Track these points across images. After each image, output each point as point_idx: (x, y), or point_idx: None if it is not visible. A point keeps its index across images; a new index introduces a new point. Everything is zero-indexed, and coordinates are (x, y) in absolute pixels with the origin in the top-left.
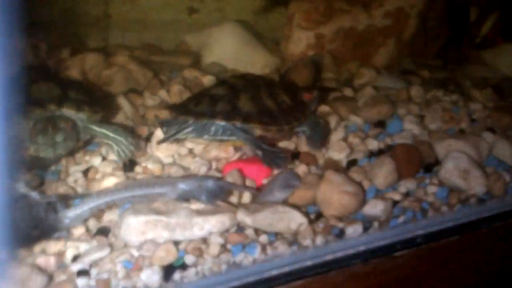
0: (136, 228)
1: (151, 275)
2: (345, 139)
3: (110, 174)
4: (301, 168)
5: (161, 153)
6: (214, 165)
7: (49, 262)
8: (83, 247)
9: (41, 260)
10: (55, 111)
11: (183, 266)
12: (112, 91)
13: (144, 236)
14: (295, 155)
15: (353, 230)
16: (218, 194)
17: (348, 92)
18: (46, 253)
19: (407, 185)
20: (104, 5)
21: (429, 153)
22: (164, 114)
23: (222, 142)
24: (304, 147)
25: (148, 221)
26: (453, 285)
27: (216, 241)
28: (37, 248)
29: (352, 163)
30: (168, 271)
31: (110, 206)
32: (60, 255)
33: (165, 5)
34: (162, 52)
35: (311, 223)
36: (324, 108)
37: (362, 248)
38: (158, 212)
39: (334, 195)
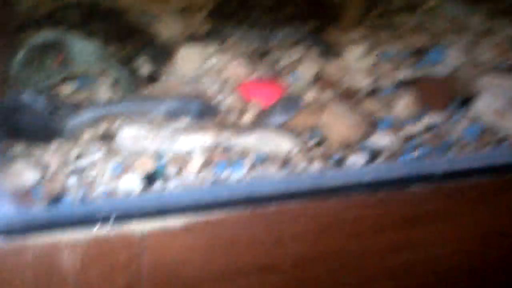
0: (129, 137)
1: (129, 182)
2: (374, 66)
3: None
4: (312, 93)
5: (184, 68)
6: (231, 83)
7: (51, 159)
8: (85, 150)
9: (44, 157)
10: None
11: (164, 177)
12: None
13: (136, 145)
14: None
15: (355, 159)
16: (204, 114)
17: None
18: (49, 152)
19: (432, 118)
20: None
21: (467, 87)
22: None
23: None
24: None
25: (139, 132)
26: (477, 227)
27: (197, 158)
28: (42, 148)
29: (373, 92)
30: (148, 180)
31: (109, 117)
32: (63, 155)
33: None
34: None
35: (307, 149)
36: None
37: (366, 178)
38: (150, 124)
39: (335, 124)
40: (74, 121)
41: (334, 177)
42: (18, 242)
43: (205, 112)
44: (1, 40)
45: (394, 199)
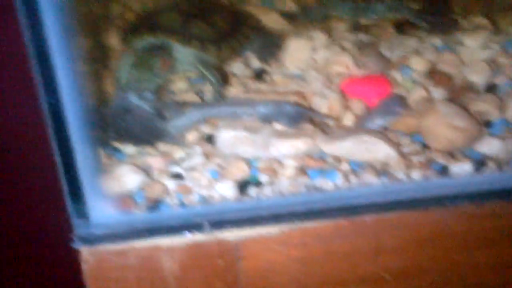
0: (227, 141)
1: (226, 188)
2: (493, 60)
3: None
4: (418, 93)
5: (291, 63)
6: (335, 80)
7: (155, 162)
8: (187, 152)
9: (148, 160)
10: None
11: (258, 183)
12: None
13: (233, 150)
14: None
15: (460, 167)
16: (297, 119)
17: None
18: (153, 155)
19: None
20: None
21: None
22: None
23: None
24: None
25: (237, 136)
26: None
27: (290, 164)
28: (147, 150)
29: (489, 88)
30: (243, 186)
31: (210, 119)
32: (166, 158)
33: None
34: None
35: (408, 155)
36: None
37: (473, 188)
38: (247, 129)
39: (440, 127)
40: (177, 123)
41: (437, 186)
42: (121, 245)
43: (300, 117)
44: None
45: (504, 211)
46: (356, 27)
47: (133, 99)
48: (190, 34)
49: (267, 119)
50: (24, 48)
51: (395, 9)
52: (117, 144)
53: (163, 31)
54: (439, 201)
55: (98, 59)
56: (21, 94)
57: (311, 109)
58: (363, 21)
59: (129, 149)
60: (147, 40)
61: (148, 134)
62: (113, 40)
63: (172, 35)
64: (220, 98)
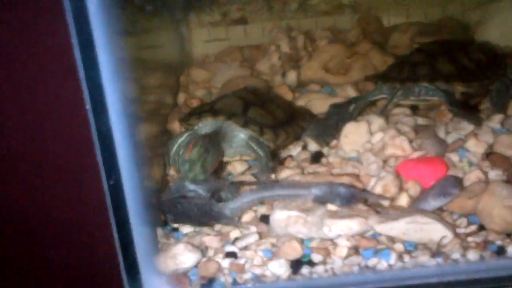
0: (280, 221)
1: (278, 267)
2: None
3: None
4: (474, 175)
5: (348, 146)
6: (391, 162)
7: (211, 242)
8: (242, 232)
9: (204, 239)
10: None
11: (310, 263)
12: (349, 79)
13: (286, 230)
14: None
15: None
16: (350, 199)
17: None
18: (209, 235)
19: None
20: None
21: None
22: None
23: (427, 102)
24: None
25: (290, 216)
26: None
27: (343, 244)
28: (204, 230)
29: None
30: (295, 265)
31: (264, 200)
32: (221, 237)
33: None
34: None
35: (463, 236)
36: None
37: None
38: (300, 209)
39: (496, 209)
40: (232, 205)
41: (494, 267)
42: None
43: (353, 197)
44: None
45: None
46: (415, 111)
47: (189, 185)
48: (249, 119)
49: (320, 200)
50: (90, 133)
51: (433, 92)
52: (175, 225)
53: (223, 114)
54: (496, 282)
55: (162, 144)
56: (84, 176)
57: (364, 190)
58: (419, 104)
59: (186, 228)
60: (206, 121)
61: (204, 217)
62: (176, 125)
63: (231, 117)
64: (268, 173)
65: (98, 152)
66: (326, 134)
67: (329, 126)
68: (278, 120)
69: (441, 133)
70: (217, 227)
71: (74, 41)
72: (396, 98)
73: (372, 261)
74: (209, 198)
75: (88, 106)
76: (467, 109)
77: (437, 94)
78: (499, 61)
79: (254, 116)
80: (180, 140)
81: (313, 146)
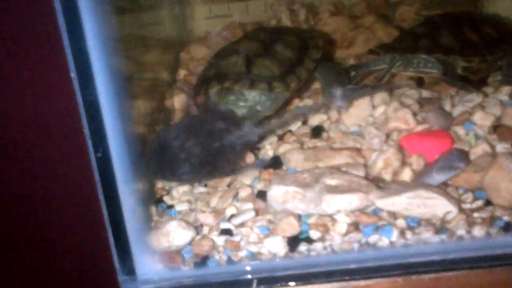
0: (278, 196)
1: (275, 244)
2: None
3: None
4: (481, 148)
5: (349, 120)
6: (394, 136)
7: (205, 219)
8: (238, 209)
9: (198, 216)
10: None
11: (308, 240)
12: (352, 52)
13: (283, 206)
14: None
15: None
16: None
17: None
18: (204, 212)
19: None
20: None
21: None
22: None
23: (425, 74)
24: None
25: (288, 192)
26: None
27: (342, 220)
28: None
29: None
30: (292, 242)
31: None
32: (216, 214)
33: None
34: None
35: (469, 212)
36: None
37: None
38: (299, 184)
39: (503, 183)
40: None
41: (501, 244)
42: None
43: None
44: None
45: None
46: (420, 84)
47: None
48: (255, 76)
49: None
50: (76, 102)
51: (431, 64)
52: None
53: (229, 80)
54: (503, 259)
55: (159, 121)
56: (70, 149)
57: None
58: (419, 76)
59: (181, 206)
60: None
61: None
62: (174, 102)
63: (237, 83)
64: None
65: (84, 123)
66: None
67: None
68: (287, 63)
69: (447, 106)
70: (213, 202)
71: (58, 7)
72: (395, 68)
73: (373, 238)
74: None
75: (73, 74)
76: (462, 80)
77: (435, 66)
78: (509, 38)
79: (259, 71)
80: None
81: (313, 120)
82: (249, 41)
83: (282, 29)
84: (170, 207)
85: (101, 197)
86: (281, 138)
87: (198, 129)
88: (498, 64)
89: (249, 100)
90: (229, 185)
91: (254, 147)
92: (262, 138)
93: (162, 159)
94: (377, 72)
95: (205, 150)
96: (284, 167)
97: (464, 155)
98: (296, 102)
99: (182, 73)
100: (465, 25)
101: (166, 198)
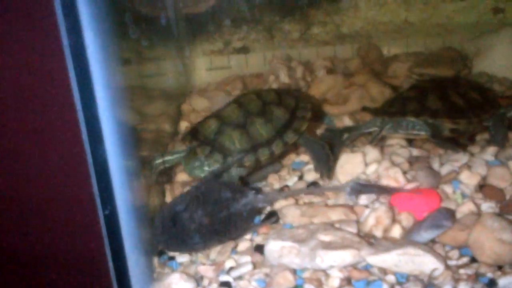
0: (274, 251)
1: None
2: None
3: None
4: (467, 207)
5: (343, 176)
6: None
7: (206, 271)
8: (240, 260)
9: (199, 269)
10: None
11: None
12: (347, 109)
13: (280, 260)
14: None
15: (508, 281)
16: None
17: None
18: (205, 264)
19: None
20: (405, 12)
21: None
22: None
23: (414, 136)
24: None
25: (284, 247)
26: None
27: (335, 275)
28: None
29: None
30: None
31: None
32: (216, 266)
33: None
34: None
35: (455, 268)
36: None
37: None
38: (295, 240)
39: (487, 241)
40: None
41: None
42: None
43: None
44: None
45: None
46: (410, 143)
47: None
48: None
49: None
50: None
51: (419, 127)
52: (172, 253)
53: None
54: None
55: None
56: (79, 205)
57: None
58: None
59: (182, 258)
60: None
61: (226, 221)
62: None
63: (200, 147)
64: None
65: (93, 181)
66: (327, 166)
67: (329, 157)
68: (259, 139)
69: (435, 165)
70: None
71: (71, 74)
72: (386, 130)
73: None
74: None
75: (84, 136)
76: (448, 140)
77: (423, 128)
78: (492, 101)
79: (223, 142)
80: (169, 157)
81: (309, 176)
82: (235, 109)
83: (275, 95)
84: (171, 258)
85: (107, 251)
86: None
87: (204, 200)
88: (483, 125)
89: (211, 165)
90: None
91: (260, 212)
92: (268, 203)
93: (171, 231)
94: (368, 135)
95: (214, 220)
96: (281, 222)
97: (450, 214)
98: (293, 157)
99: (183, 124)
100: (451, 89)
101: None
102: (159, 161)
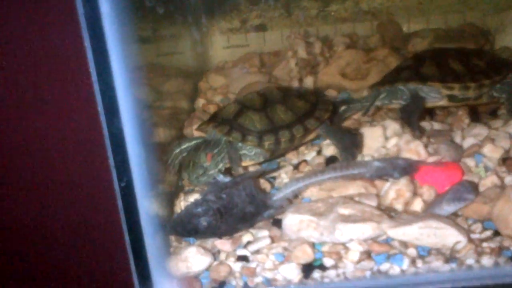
0: (292, 225)
1: (289, 271)
2: None
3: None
4: (490, 180)
5: (366, 151)
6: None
7: (223, 245)
8: (257, 234)
9: (216, 243)
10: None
11: (322, 267)
12: (365, 84)
13: (298, 234)
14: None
15: None
16: (408, 170)
17: None
18: (223, 239)
19: None
20: None
21: None
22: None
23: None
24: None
25: (302, 221)
26: None
27: (355, 248)
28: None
29: None
30: (307, 269)
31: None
32: (234, 240)
33: None
34: (447, 36)
35: (478, 242)
36: None
37: None
38: (313, 213)
39: (511, 214)
40: (279, 195)
41: (510, 273)
42: None
43: (410, 168)
44: None
45: None
46: (432, 116)
47: (224, 178)
48: (237, 125)
49: (379, 174)
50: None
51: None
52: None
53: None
54: None
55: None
56: (95, 177)
57: (418, 160)
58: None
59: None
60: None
61: (251, 205)
62: (192, 131)
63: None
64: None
65: (109, 154)
66: (351, 151)
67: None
68: (281, 122)
69: (458, 138)
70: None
71: (87, 45)
72: (380, 101)
73: (385, 266)
74: (256, 191)
75: (100, 108)
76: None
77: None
78: (499, 68)
79: (243, 122)
80: (187, 144)
81: (327, 151)
82: (256, 96)
83: (295, 90)
84: None
85: (123, 224)
86: (296, 167)
87: (223, 205)
88: (493, 95)
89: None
90: None
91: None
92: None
93: (188, 227)
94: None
95: (229, 218)
96: (299, 196)
97: (473, 187)
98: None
99: (200, 102)
100: (452, 57)
101: None
102: (177, 150)
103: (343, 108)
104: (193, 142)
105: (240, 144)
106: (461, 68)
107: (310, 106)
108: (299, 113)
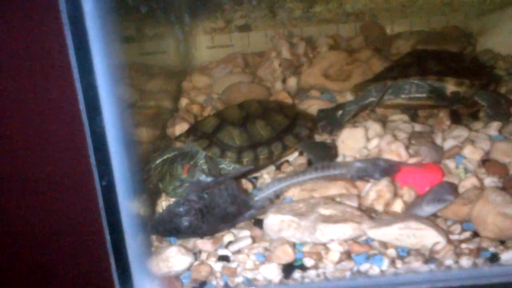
0: (274, 225)
1: (270, 271)
2: None
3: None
4: (470, 181)
5: (344, 151)
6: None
7: (204, 245)
8: (238, 234)
9: (197, 243)
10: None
11: (302, 267)
12: (348, 85)
13: (279, 234)
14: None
15: (511, 256)
16: (389, 171)
17: None
18: (204, 239)
19: None
20: None
21: None
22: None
23: (417, 101)
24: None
25: (283, 221)
26: None
27: (335, 248)
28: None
29: None
30: (287, 269)
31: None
32: (216, 241)
33: None
34: (430, 39)
35: (457, 243)
36: None
37: None
38: (295, 214)
39: (490, 216)
40: (259, 197)
41: (487, 274)
42: None
43: (391, 169)
44: None
45: None
46: (413, 118)
47: (206, 178)
48: (216, 140)
49: (360, 175)
50: (83, 133)
51: (423, 89)
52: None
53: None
54: None
55: (160, 147)
56: (76, 176)
57: (399, 162)
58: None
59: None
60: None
61: (233, 205)
62: (175, 130)
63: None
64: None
65: (91, 152)
66: (326, 155)
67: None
68: (260, 139)
69: (438, 140)
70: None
71: (70, 43)
72: (387, 95)
73: (364, 266)
74: (238, 192)
75: (81, 107)
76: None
77: (425, 91)
78: (484, 73)
79: (222, 138)
80: (166, 156)
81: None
82: (236, 110)
83: (275, 104)
84: None
85: (104, 224)
86: (278, 168)
87: (206, 205)
88: (474, 101)
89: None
90: None
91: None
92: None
93: (170, 226)
94: (368, 107)
95: (210, 220)
96: (281, 197)
97: (453, 188)
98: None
99: (184, 101)
100: (446, 57)
101: None
102: (157, 162)
103: (339, 113)
104: (172, 154)
105: (219, 159)
106: (458, 67)
107: (290, 121)
108: (278, 129)
